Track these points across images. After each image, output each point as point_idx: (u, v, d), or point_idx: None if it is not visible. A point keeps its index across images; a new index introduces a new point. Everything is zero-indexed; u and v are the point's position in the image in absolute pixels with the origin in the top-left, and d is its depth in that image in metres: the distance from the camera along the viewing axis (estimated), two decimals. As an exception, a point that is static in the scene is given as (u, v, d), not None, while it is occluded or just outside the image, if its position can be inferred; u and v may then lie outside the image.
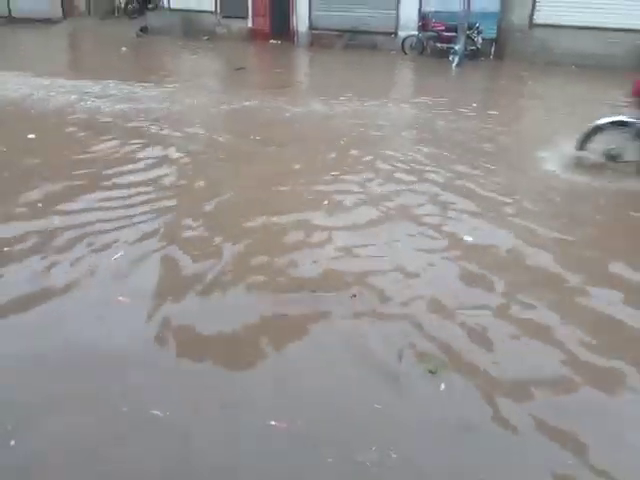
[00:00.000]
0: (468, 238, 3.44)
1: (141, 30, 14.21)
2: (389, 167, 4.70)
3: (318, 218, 3.68)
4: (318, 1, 13.06)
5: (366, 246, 3.33)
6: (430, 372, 2.32)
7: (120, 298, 2.75)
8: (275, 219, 3.63)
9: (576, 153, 4.63)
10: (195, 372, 2.31)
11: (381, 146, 5.35)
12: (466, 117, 6.62)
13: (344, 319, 2.63)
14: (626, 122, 4.46)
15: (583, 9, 10.41)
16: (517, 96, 8.57)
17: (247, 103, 7.18)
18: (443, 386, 2.22)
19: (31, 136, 5.36)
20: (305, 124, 6.32)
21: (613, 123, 4.52)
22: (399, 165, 4.75)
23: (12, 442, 1.89)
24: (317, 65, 11.61)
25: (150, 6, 15.14)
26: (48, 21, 15.55)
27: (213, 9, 14.30)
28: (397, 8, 12.33)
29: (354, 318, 2.64)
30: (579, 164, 4.59)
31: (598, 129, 4.55)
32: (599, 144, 4.54)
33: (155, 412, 2.03)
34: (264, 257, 3.17)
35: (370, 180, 4.38)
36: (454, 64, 10.40)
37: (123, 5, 15.33)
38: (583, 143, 4.59)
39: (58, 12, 16.13)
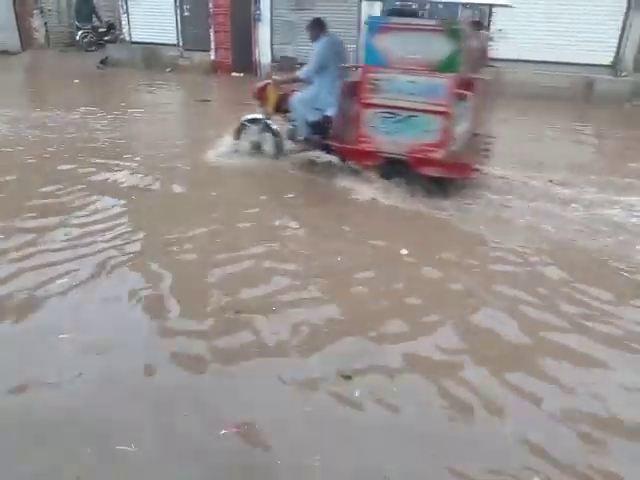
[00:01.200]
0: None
1: (101, 62, 14.10)
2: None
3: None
4: (280, 34, 13.30)
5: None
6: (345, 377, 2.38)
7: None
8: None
9: (234, 145, 5.76)
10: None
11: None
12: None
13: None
14: (257, 119, 5.61)
15: (531, 45, 10.94)
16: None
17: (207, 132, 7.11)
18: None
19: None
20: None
21: (249, 120, 5.66)
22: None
23: None
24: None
25: (106, 38, 15.08)
26: (6, 53, 15.28)
27: (175, 42, 14.38)
28: (357, 41, 12.67)
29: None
30: (235, 152, 5.73)
31: (243, 125, 5.68)
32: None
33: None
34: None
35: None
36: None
37: (79, 38, 15.18)
38: (237, 136, 5.72)
39: (16, 44, 15.88)
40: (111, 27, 15.23)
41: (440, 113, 4.44)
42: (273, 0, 13.06)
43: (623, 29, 10.20)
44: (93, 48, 14.98)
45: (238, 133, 5.72)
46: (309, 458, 1.98)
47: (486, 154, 5.24)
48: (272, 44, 13.41)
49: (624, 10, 10.12)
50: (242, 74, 13.46)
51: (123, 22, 14.84)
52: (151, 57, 14.33)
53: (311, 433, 2.11)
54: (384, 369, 2.48)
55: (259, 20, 13.31)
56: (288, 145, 5.61)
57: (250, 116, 5.68)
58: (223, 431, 2.07)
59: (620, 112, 9.70)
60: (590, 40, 10.46)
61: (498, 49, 11.13)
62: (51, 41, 16.21)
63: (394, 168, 4.79)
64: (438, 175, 4.68)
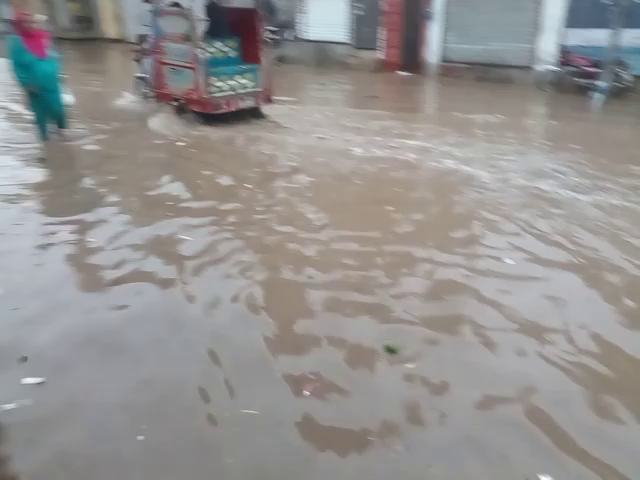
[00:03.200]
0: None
1: (279, 60, 15.24)
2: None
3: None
4: (451, 34, 13.09)
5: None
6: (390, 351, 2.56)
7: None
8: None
9: (136, 95, 8.84)
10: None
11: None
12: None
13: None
14: (142, 76, 8.41)
15: None
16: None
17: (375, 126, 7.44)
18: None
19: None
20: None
21: (138, 77, 8.57)
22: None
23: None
24: (446, 98, 11.58)
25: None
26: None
27: (346, 40, 14.97)
28: (533, 42, 11.95)
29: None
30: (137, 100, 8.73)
31: (135, 80, 8.61)
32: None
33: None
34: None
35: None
36: (595, 102, 9.78)
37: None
38: (134, 88, 8.78)
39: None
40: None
41: (191, 68, 7.11)
42: (448, -2, 12.91)
43: None
44: None
45: (134, 86, 8.72)
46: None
47: (264, 103, 7.94)
48: (442, 43, 13.26)
49: None
50: (408, 73, 13.55)
51: (299, 21, 15.79)
52: (323, 55, 15.12)
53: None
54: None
55: (430, 19, 13.23)
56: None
57: (138, 74, 8.49)
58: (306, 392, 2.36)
59: None
60: None
61: None
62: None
63: (182, 105, 7.49)
64: (197, 110, 7.34)
